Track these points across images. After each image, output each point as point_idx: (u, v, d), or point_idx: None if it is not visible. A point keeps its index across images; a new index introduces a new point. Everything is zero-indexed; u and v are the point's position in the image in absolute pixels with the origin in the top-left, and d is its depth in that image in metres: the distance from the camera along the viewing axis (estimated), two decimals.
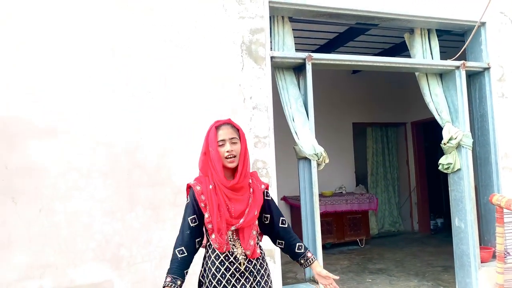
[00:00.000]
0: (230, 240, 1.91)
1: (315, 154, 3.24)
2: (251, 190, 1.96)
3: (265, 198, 2.01)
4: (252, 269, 1.94)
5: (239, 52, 3.17)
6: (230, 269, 1.90)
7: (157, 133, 2.99)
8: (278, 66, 3.39)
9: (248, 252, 1.91)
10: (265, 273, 2.00)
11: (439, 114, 3.81)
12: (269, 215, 2.03)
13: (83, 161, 2.83)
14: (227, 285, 1.89)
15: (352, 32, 5.11)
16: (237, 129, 1.98)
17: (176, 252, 1.87)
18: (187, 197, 1.95)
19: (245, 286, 1.91)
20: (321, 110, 6.94)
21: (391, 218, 7.74)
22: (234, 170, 1.93)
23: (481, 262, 3.69)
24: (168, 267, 1.87)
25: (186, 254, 1.88)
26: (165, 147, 2.99)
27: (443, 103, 3.80)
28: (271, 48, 3.30)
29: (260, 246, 2.01)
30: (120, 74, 2.94)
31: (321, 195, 6.60)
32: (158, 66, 3.02)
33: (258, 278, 1.96)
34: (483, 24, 3.88)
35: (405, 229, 7.78)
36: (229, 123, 1.99)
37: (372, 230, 7.19)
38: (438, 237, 7.16)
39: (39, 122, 2.76)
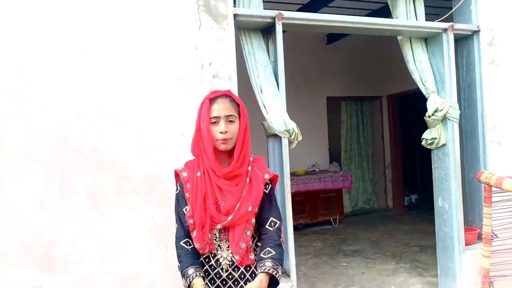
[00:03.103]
0: (215, 240, 1.59)
1: (287, 131, 2.79)
2: (248, 179, 1.59)
3: (264, 191, 1.62)
4: (238, 279, 1.60)
5: (195, 8, 2.62)
6: (209, 274, 1.59)
7: (95, 107, 2.43)
8: (243, 27, 2.87)
9: (236, 257, 1.58)
10: None
11: (423, 84, 3.42)
12: (259, 211, 1.63)
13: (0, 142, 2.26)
14: None
15: None
16: (237, 104, 1.62)
17: (183, 245, 1.60)
18: (176, 185, 1.67)
19: None
20: (294, 83, 6.49)
21: (365, 196, 7.52)
22: (231, 154, 1.59)
23: (465, 245, 3.41)
24: (179, 264, 1.58)
25: (193, 245, 1.60)
26: (105, 124, 2.45)
27: (428, 71, 3.41)
28: (234, 5, 2.76)
29: (255, 252, 1.65)
30: (46, 31, 2.35)
31: (293, 174, 6.23)
32: (95, 23, 2.44)
33: None
34: None
35: (379, 206, 7.60)
36: (228, 95, 1.62)
37: (346, 208, 6.94)
38: (412, 213, 7.00)
39: None
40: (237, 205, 1.54)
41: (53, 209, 2.35)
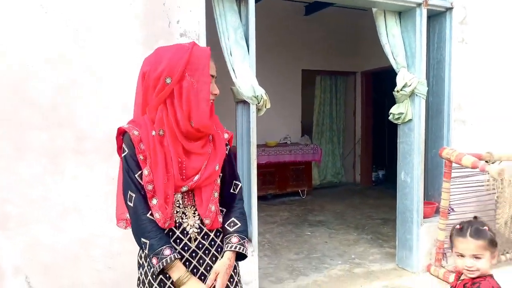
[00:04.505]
0: (179, 207, 1.41)
1: (255, 97, 2.75)
2: (210, 137, 1.47)
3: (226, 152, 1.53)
4: (209, 247, 1.45)
5: None
6: (176, 249, 1.39)
7: (54, 60, 2.32)
8: None
9: (207, 221, 1.42)
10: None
11: (394, 58, 3.43)
12: (221, 174, 1.51)
13: None
14: None
15: None
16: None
17: (150, 217, 1.34)
18: (120, 147, 1.41)
19: (198, 270, 1.42)
20: (270, 53, 6.41)
21: (334, 169, 7.64)
22: None
23: (423, 218, 3.54)
24: (149, 241, 1.32)
25: None
26: (65, 78, 2.34)
27: (400, 45, 3.42)
28: None
29: (222, 213, 1.53)
30: None
31: (265, 145, 6.25)
32: None
33: (218, 255, 1.47)
34: None
35: (347, 180, 7.76)
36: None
37: (314, 181, 7.06)
38: (379, 188, 7.20)
39: None
40: (204, 164, 1.40)
41: (6, 165, 2.25)
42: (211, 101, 1.42)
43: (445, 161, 3.31)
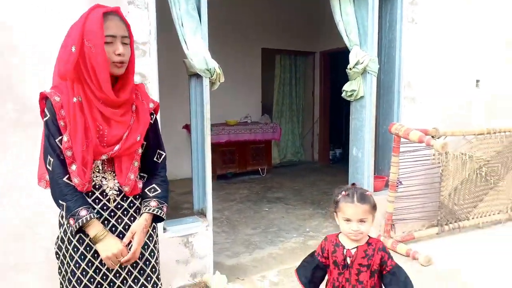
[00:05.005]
0: (98, 172, 1.46)
1: (207, 70, 2.72)
2: (134, 107, 1.49)
3: (150, 121, 1.56)
4: (127, 208, 1.52)
5: None
6: (94, 208, 1.45)
7: None
8: None
9: (126, 189, 1.50)
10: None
11: (347, 36, 3.49)
12: (145, 142, 1.57)
13: None
14: None
15: None
16: (126, 24, 1.45)
17: (67, 181, 1.39)
18: (42, 112, 1.43)
19: (117, 228, 1.49)
20: (229, 30, 6.34)
21: (293, 148, 7.76)
22: (113, 79, 1.42)
23: (374, 191, 3.68)
24: (65, 203, 1.38)
25: None
26: (2, 44, 2.20)
27: (353, 23, 3.47)
28: None
29: (143, 179, 1.60)
30: None
31: (225, 124, 6.25)
32: None
33: (136, 216, 1.54)
34: None
35: (306, 159, 7.91)
36: (118, 13, 1.43)
37: (274, 160, 7.14)
38: (336, 166, 7.40)
39: None
40: (125, 134, 1.44)
41: None
42: (120, 63, 1.40)
43: (394, 136, 3.45)
